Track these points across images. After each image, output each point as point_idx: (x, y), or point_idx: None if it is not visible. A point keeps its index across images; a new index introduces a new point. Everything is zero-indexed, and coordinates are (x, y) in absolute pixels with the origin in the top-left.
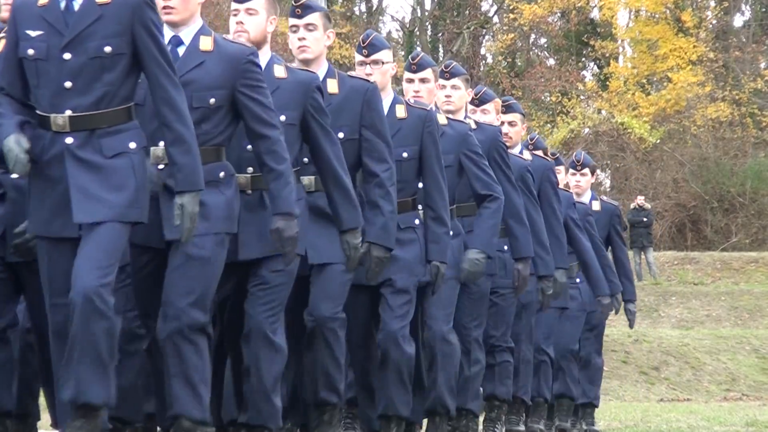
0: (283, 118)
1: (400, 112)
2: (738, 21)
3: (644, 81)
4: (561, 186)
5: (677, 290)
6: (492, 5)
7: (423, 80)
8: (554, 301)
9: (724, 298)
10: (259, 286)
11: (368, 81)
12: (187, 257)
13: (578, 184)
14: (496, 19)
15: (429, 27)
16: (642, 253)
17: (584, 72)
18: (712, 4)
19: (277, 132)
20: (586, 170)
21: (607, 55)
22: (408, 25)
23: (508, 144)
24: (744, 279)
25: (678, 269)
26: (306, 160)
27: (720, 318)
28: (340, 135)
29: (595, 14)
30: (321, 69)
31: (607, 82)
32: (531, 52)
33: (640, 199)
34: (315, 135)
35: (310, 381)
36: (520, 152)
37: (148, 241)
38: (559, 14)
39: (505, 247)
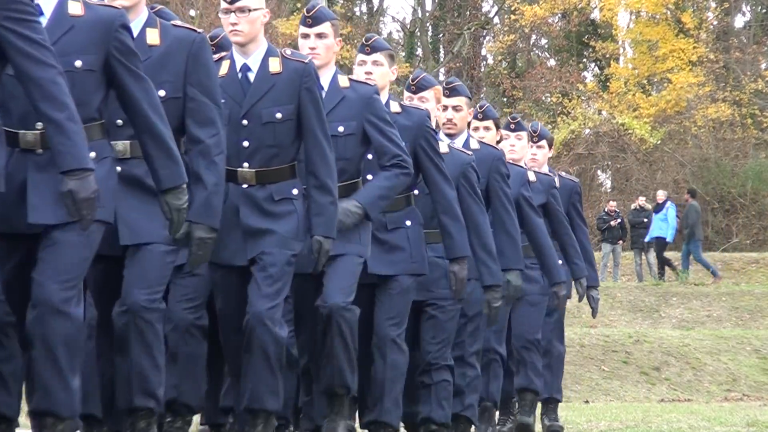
0: (78, 63)
1: (275, 65)
2: (738, 22)
3: (645, 82)
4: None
5: (678, 291)
6: (493, 6)
7: (319, 35)
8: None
9: (725, 299)
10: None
11: (196, 31)
12: (56, 241)
13: (534, 158)
14: (496, 20)
15: (429, 28)
16: (643, 253)
17: (585, 73)
18: (713, 5)
19: (53, 72)
20: (543, 142)
21: (608, 56)
22: (409, 26)
23: (452, 131)
24: (745, 279)
25: (679, 270)
26: (120, 122)
27: (721, 318)
28: (161, 93)
29: (595, 15)
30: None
31: (608, 83)
32: (531, 53)
33: (641, 200)
34: (123, 81)
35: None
36: (467, 141)
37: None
38: (559, 15)
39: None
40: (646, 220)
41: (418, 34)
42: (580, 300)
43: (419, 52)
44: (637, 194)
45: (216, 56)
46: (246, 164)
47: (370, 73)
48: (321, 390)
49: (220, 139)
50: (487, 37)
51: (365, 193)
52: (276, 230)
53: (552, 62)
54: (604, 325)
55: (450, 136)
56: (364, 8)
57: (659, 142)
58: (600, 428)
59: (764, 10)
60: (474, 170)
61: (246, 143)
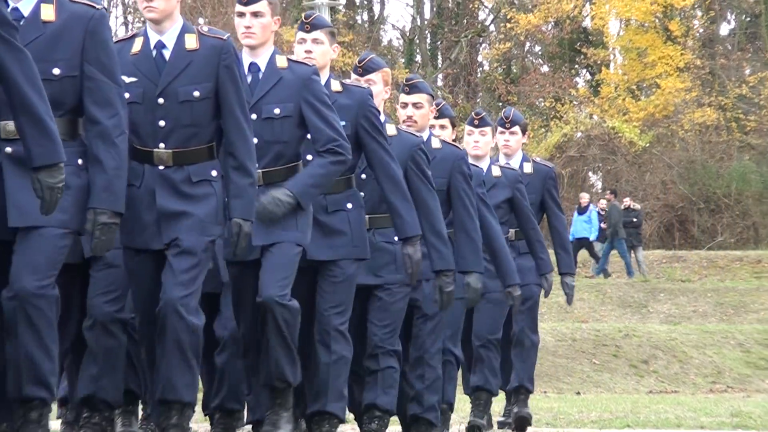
0: None
1: (191, 42)
2: (724, 30)
3: (634, 87)
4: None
5: (665, 287)
6: (488, 14)
7: (255, 14)
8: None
9: (710, 295)
10: None
11: (95, 7)
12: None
13: (507, 144)
14: (492, 28)
15: (428, 35)
16: (632, 251)
17: (577, 78)
18: (699, 13)
19: None
20: (516, 128)
21: (599, 62)
22: (408, 34)
23: (412, 128)
24: (729, 276)
25: (666, 267)
26: None
27: (706, 314)
28: (56, 71)
29: (587, 23)
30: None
31: (599, 88)
32: (526, 60)
33: (627, 200)
34: None
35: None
36: (428, 139)
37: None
38: (552, 23)
39: (396, 238)
40: (635, 219)
41: (417, 41)
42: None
43: (418, 58)
44: (627, 195)
45: (129, 33)
46: (162, 144)
47: (310, 51)
48: (261, 383)
49: (120, 120)
50: (483, 45)
51: (297, 181)
52: (193, 213)
53: (545, 68)
54: (595, 320)
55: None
56: (365, 17)
57: (648, 144)
58: (591, 419)
59: (748, 19)
60: (423, 153)
61: (162, 123)
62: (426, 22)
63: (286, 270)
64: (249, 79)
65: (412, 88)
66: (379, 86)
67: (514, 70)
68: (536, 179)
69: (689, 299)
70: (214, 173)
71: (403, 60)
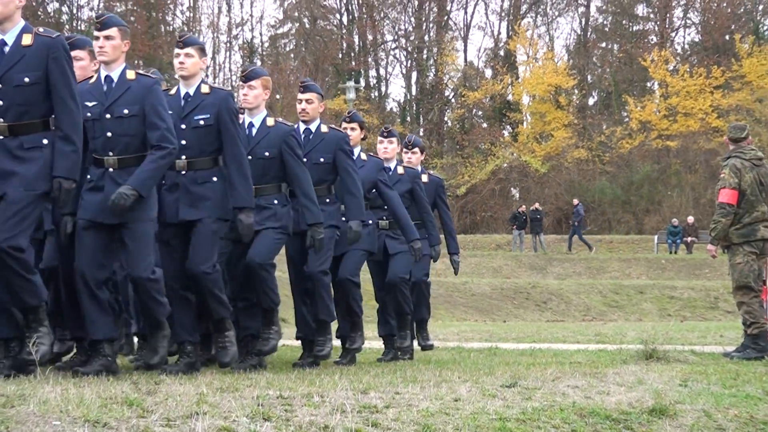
0: None
1: (26, 40)
2: (591, 101)
3: (538, 136)
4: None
5: (557, 257)
6: (451, 92)
7: (107, 37)
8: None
9: (583, 262)
10: None
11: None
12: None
13: (409, 160)
14: (453, 100)
15: (414, 105)
16: (537, 236)
17: (503, 131)
18: (576, 91)
19: None
20: (416, 149)
21: (516, 121)
22: (402, 104)
23: (305, 118)
24: (594, 252)
25: (557, 245)
26: None
27: (581, 273)
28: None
29: (510, 97)
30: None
31: (517, 137)
32: (473, 119)
33: (535, 205)
34: None
35: None
36: (318, 126)
37: None
38: (489, 97)
39: (276, 201)
40: (539, 216)
41: (407, 108)
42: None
43: (408, 119)
44: (534, 201)
45: None
46: (1, 120)
47: (183, 63)
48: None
49: None
50: (448, 110)
51: (136, 177)
52: (21, 172)
53: (485, 125)
54: (515, 277)
55: (305, 122)
56: (376, 93)
57: (546, 171)
58: (511, 337)
59: (605, 94)
60: (294, 137)
61: (0, 102)
62: (412, 97)
63: (147, 246)
64: (104, 88)
65: (305, 88)
66: (258, 90)
67: (466, 126)
68: (431, 186)
69: (570, 264)
70: (45, 141)
71: (399, 119)
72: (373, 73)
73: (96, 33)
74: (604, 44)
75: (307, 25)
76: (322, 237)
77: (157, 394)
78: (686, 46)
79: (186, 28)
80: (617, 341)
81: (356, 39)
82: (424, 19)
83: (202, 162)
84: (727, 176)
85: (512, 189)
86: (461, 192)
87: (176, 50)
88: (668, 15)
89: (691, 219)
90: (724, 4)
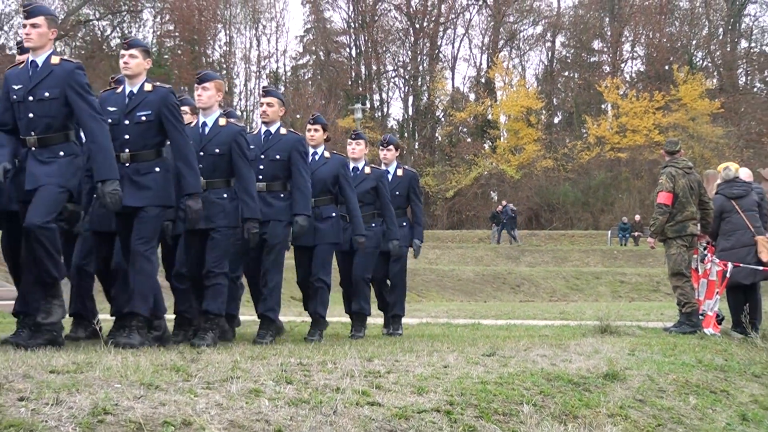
0: None
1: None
2: (556, 119)
3: (513, 149)
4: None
5: (528, 249)
6: (441, 112)
7: (33, 25)
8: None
9: (549, 253)
10: None
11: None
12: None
13: (385, 156)
14: (443, 119)
15: (411, 122)
16: (512, 230)
17: (485, 144)
18: (544, 111)
19: None
20: (391, 147)
21: (495, 136)
22: (400, 121)
23: (265, 120)
24: (558, 244)
25: (529, 239)
26: None
27: (547, 262)
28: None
29: (489, 116)
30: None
31: (495, 149)
32: (459, 135)
33: (510, 205)
34: None
35: None
36: (277, 128)
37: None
38: (473, 117)
39: (225, 195)
40: (514, 215)
41: (405, 126)
42: (415, 256)
43: (405, 134)
44: (510, 202)
45: (20, 58)
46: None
47: (127, 63)
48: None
49: None
50: (438, 127)
51: (96, 167)
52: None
53: (469, 139)
54: (494, 265)
55: (266, 123)
56: (379, 113)
57: (520, 177)
58: (491, 314)
59: (567, 114)
60: (243, 137)
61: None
62: (409, 116)
63: (48, 202)
64: (30, 72)
65: (266, 93)
66: (212, 91)
67: (453, 140)
68: (405, 179)
69: (540, 254)
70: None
71: (397, 134)
72: (377, 96)
73: (23, 21)
74: (566, 73)
75: (323, 58)
76: (257, 231)
77: (199, 362)
78: (633, 75)
79: (224, 60)
80: (578, 318)
81: (363, 69)
82: (419, 52)
83: (145, 155)
84: (664, 182)
85: (491, 192)
86: (449, 195)
87: (122, 51)
88: (619, 49)
89: (638, 217)
90: (664, 40)
